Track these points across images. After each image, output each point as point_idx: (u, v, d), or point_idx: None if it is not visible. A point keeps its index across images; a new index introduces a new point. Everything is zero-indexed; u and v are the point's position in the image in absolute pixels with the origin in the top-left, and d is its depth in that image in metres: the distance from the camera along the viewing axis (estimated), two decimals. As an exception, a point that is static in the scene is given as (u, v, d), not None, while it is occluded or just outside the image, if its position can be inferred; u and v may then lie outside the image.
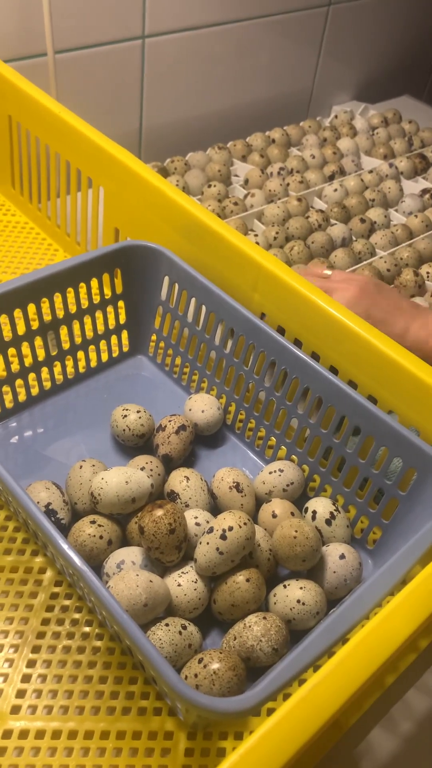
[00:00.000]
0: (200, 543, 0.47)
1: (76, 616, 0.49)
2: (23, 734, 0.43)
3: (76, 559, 0.39)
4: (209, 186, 0.92)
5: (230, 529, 0.46)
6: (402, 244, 0.89)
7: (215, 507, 0.54)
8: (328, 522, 0.52)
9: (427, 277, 0.84)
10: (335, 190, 0.96)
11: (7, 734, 0.43)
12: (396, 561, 0.40)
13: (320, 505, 0.53)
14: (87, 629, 0.48)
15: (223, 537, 0.46)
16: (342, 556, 0.50)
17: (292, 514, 0.52)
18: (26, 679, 0.46)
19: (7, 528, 0.54)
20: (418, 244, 0.88)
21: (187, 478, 0.54)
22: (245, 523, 0.47)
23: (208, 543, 0.47)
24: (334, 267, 0.83)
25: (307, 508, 0.53)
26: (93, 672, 0.46)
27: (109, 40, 0.91)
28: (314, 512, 0.52)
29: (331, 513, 0.52)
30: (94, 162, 0.69)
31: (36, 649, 0.47)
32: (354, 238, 0.89)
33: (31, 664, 0.46)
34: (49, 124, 0.72)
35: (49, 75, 0.85)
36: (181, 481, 0.54)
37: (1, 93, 0.77)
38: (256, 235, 0.85)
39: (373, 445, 0.51)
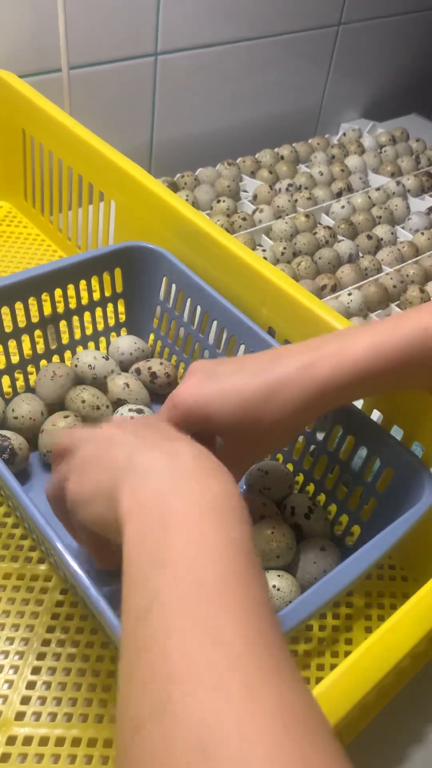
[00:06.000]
0: None
1: (81, 624, 0.49)
2: (27, 741, 0.43)
3: (74, 564, 0.40)
4: (218, 201, 0.93)
5: None
6: (408, 261, 0.90)
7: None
8: (307, 516, 0.54)
9: (433, 294, 0.85)
10: (343, 206, 0.97)
11: (11, 740, 0.43)
12: (362, 552, 0.42)
13: (298, 501, 0.55)
14: (92, 637, 0.49)
15: None
16: (323, 548, 0.52)
17: (264, 504, 0.54)
18: (31, 686, 0.46)
19: (15, 536, 0.54)
20: (425, 262, 0.89)
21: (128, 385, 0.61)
22: None
23: None
24: (341, 282, 0.84)
25: (285, 505, 0.55)
26: (97, 680, 0.47)
27: (123, 57, 0.93)
28: (293, 508, 0.55)
29: (309, 508, 0.54)
30: (105, 176, 0.70)
31: (41, 657, 0.47)
32: (361, 255, 0.90)
33: (35, 671, 0.47)
34: (63, 139, 0.73)
35: (64, 90, 0.87)
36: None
37: (16, 107, 0.78)
38: (264, 250, 0.86)
39: (353, 445, 0.52)
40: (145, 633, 0.27)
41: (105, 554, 0.42)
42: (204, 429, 0.45)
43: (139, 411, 0.60)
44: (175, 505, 0.31)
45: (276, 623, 0.28)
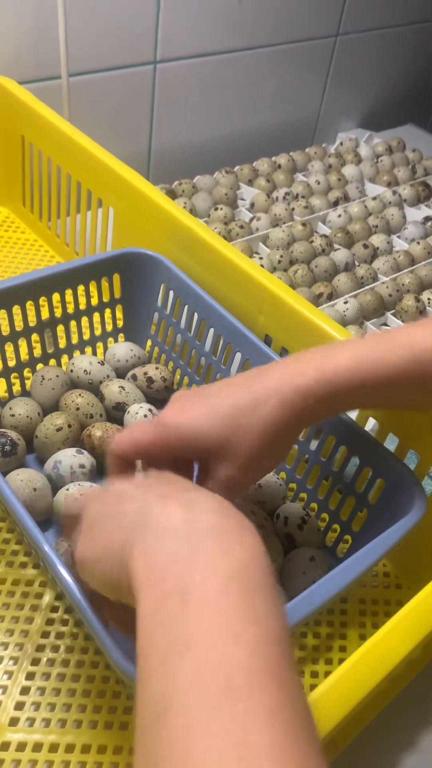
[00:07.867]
0: None
1: (75, 630, 0.49)
2: (21, 746, 0.43)
3: (63, 570, 0.40)
4: (216, 209, 0.93)
5: None
6: (404, 270, 0.90)
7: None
8: (300, 527, 0.54)
9: (428, 303, 0.85)
10: (339, 215, 0.98)
11: (5, 746, 0.43)
12: (349, 563, 0.42)
13: (291, 511, 0.55)
14: (87, 643, 0.49)
15: None
16: (312, 559, 0.52)
17: (253, 513, 0.54)
18: (25, 691, 0.46)
19: (10, 541, 0.54)
20: (420, 271, 0.90)
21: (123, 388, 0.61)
22: None
23: None
24: (337, 290, 0.84)
25: (279, 515, 0.55)
26: (91, 686, 0.47)
27: (122, 65, 0.93)
28: (286, 518, 0.55)
29: (302, 518, 0.55)
30: (104, 183, 0.71)
31: (35, 662, 0.47)
32: (357, 263, 0.91)
33: (30, 676, 0.47)
34: (62, 145, 0.74)
35: (63, 97, 0.87)
36: None
37: (16, 113, 0.79)
38: (261, 258, 0.86)
39: (346, 454, 0.52)
40: (164, 736, 0.25)
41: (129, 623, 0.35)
42: (192, 452, 0.43)
43: (151, 410, 0.60)
44: (194, 575, 0.28)
45: (313, 727, 0.25)
